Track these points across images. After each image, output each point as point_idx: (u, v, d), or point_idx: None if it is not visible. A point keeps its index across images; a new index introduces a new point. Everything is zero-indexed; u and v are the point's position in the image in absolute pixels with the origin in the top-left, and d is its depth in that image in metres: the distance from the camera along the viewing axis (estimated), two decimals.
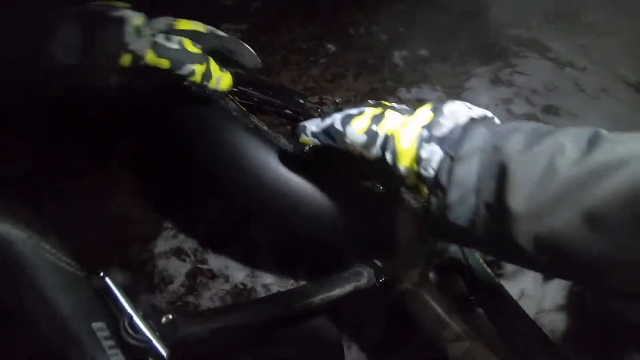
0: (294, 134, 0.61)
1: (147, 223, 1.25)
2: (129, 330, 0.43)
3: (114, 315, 0.43)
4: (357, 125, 0.51)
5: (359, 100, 1.49)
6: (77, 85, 0.58)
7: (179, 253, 1.23)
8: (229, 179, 0.77)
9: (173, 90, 0.65)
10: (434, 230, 0.49)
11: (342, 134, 0.52)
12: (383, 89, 1.54)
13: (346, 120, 0.52)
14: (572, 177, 0.33)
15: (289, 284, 1.24)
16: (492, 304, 0.78)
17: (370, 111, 0.52)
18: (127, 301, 0.44)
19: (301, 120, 0.97)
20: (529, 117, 1.54)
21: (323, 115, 0.57)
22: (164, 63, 0.59)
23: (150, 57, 0.58)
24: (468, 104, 0.47)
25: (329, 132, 0.54)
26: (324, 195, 0.73)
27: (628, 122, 1.58)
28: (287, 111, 0.91)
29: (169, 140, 0.97)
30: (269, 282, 1.24)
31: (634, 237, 0.30)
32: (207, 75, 0.64)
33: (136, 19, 0.56)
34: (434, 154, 0.43)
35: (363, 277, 0.69)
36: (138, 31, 0.56)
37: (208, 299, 1.23)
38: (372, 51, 1.69)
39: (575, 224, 0.32)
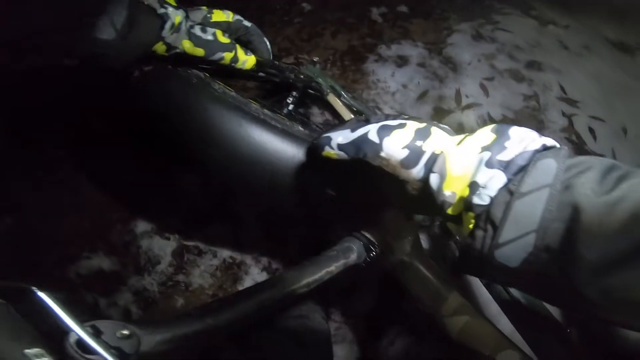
0: (312, 146, 0.53)
1: (124, 205, 1.15)
2: (77, 350, 0.34)
3: (54, 336, 0.34)
4: (398, 138, 0.43)
5: (337, 59, 1.37)
6: (104, 59, 0.61)
7: (161, 232, 1.14)
8: (201, 151, 0.68)
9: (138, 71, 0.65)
10: (468, 267, 0.41)
11: (379, 147, 0.44)
12: (362, 46, 1.42)
13: (384, 132, 0.44)
14: None
15: (278, 255, 1.17)
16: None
17: (413, 124, 0.44)
18: (70, 317, 0.35)
19: (276, 82, 0.90)
20: (513, 72, 1.46)
21: (351, 125, 0.48)
22: (200, 52, 0.66)
23: (188, 47, 0.64)
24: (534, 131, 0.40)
25: (360, 144, 0.46)
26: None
27: (611, 79, 1.52)
28: (261, 74, 0.82)
29: (138, 119, 0.87)
30: (258, 254, 1.16)
31: None
32: (234, 59, 0.70)
33: (176, 17, 0.62)
34: (493, 181, 0.36)
35: (352, 253, 0.61)
36: (174, 27, 0.62)
37: (198, 277, 1.16)
38: (349, 9, 1.55)
39: None
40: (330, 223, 0.75)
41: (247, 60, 0.73)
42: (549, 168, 0.34)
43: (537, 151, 0.37)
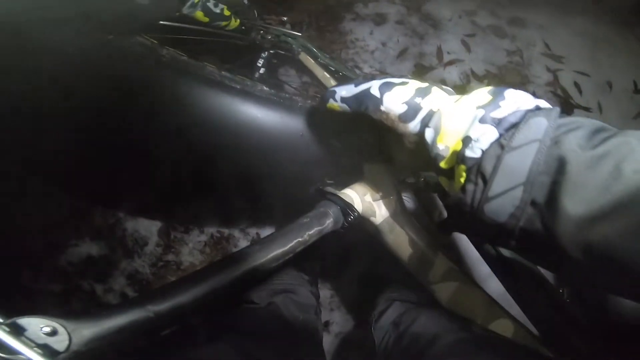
0: (320, 98, 0.52)
1: (101, 187, 1.05)
2: None
3: None
4: (399, 93, 0.44)
5: (314, 20, 1.24)
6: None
7: (145, 211, 1.05)
8: (154, 124, 0.59)
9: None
10: (457, 224, 0.42)
11: (379, 101, 0.44)
12: (339, 5, 1.29)
13: (386, 87, 0.44)
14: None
15: (266, 225, 1.08)
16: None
17: (415, 83, 0.44)
18: None
19: (239, 44, 0.80)
20: (495, 28, 1.36)
21: (356, 81, 0.48)
22: (206, 19, 0.79)
23: (199, 15, 0.77)
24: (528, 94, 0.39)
25: (362, 98, 0.46)
26: (272, 124, 0.58)
27: (595, 36, 1.41)
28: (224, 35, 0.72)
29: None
30: (245, 226, 1.08)
31: None
32: (227, 25, 0.83)
33: None
34: (486, 135, 0.36)
35: (328, 219, 0.52)
36: (194, 5, 0.75)
37: (188, 254, 1.08)
38: None
39: (636, 232, 0.28)
40: (305, 185, 0.66)
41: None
42: (539, 125, 0.34)
43: (529, 110, 0.36)
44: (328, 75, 0.82)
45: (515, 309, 0.55)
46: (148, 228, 1.05)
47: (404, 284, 0.70)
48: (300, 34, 0.85)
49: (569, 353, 0.49)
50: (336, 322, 1.07)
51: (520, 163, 0.33)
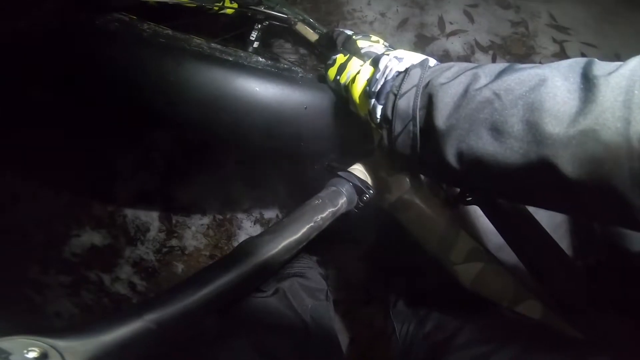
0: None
1: (95, 174, 0.97)
2: None
3: None
4: (330, 73, 0.52)
5: None
6: None
7: (144, 196, 0.97)
8: (151, 103, 0.50)
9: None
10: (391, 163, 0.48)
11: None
12: None
13: (326, 69, 0.53)
14: (482, 97, 0.33)
15: (269, 204, 1.01)
16: (493, 204, 0.55)
17: (338, 59, 0.52)
18: None
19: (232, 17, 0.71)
20: None
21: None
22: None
23: None
24: (403, 53, 0.45)
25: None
26: (272, 97, 0.51)
27: (602, 6, 1.28)
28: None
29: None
30: (248, 207, 1.00)
31: (529, 144, 0.30)
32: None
33: None
34: (375, 107, 0.43)
35: (341, 198, 0.44)
36: None
37: (192, 238, 1.01)
38: None
39: (485, 136, 0.33)
40: (314, 162, 0.58)
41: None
42: (416, 74, 0.40)
43: (399, 72, 0.43)
44: (319, 42, 0.73)
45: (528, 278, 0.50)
46: (148, 213, 0.98)
47: (420, 263, 0.63)
48: (302, 9, 0.76)
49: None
50: (343, 300, 1.02)
51: (407, 105, 0.39)
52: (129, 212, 0.97)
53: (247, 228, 1.00)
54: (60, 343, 0.26)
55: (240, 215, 1.01)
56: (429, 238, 0.50)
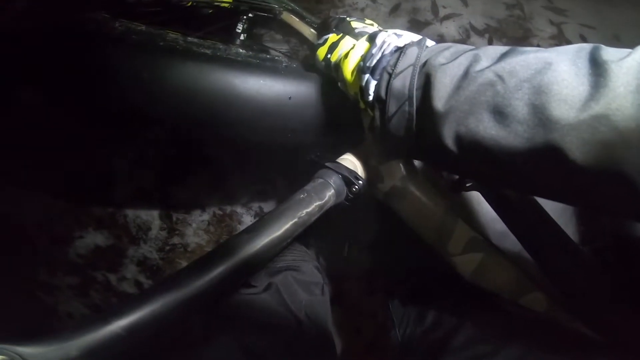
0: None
1: (94, 174, 0.95)
2: None
3: None
4: (320, 53, 0.49)
5: None
6: None
7: (142, 195, 0.94)
8: (126, 103, 0.47)
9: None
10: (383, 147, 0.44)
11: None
12: None
13: (315, 48, 0.51)
14: (483, 79, 0.32)
15: (268, 197, 0.97)
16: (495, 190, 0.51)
17: (330, 39, 0.49)
18: None
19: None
20: None
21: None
22: None
23: None
24: (401, 31, 0.43)
25: None
26: (253, 90, 0.47)
27: None
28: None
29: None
30: (247, 200, 0.97)
31: (535, 128, 0.29)
32: None
33: None
34: (369, 83, 0.41)
35: (328, 191, 0.41)
36: None
37: (193, 235, 0.98)
38: None
39: (487, 119, 0.31)
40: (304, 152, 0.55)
41: None
42: (413, 53, 0.38)
43: (400, 48, 0.40)
44: (315, 32, 0.69)
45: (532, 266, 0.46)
46: (149, 212, 0.95)
47: (418, 255, 0.59)
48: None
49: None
50: (345, 293, 0.99)
51: (403, 85, 0.37)
52: (130, 212, 0.94)
53: (248, 222, 0.97)
54: (26, 350, 0.23)
55: (239, 210, 0.97)
56: (425, 228, 0.47)
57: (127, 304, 0.26)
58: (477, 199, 0.66)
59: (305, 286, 0.52)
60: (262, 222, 0.34)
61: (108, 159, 0.92)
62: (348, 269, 0.97)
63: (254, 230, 0.33)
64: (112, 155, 0.92)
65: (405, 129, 0.38)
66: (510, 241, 0.53)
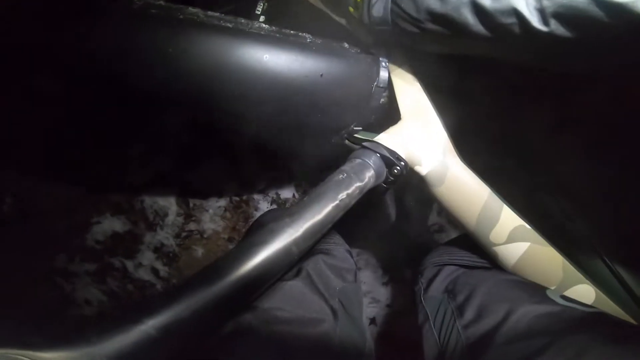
0: None
1: (111, 160, 0.92)
2: None
3: None
4: None
5: None
6: None
7: (159, 180, 0.92)
8: (161, 77, 0.44)
9: None
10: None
11: None
12: None
13: None
14: None
15: (284, 183, 0.94)
16: None
17: None
18: None
19: None
20: None
21: None
22: None
23: None
24: None
25: None
26: (285, 65, 0.43)
27: None
28: None
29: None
30: (264, 186, 0.94)
31: None
32: None
33: None
34: None
35: (368, 172, 0.38)
36: None
37: (210, 221, 0.96)
38: None
39: None
40: (331, 134, 0.51)
41: None
42: None
43: None
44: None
45: None
46: (166, 198, 0.93)
47: (456, 242, 0.56)
48: None
49: None
50: (365, 281, 0.96)
51: None
52: (147, 197, 0.92)
53: (264, 209, 0.95)
54: (49, 356, 0.20)
55: (256, 197, 0.95)
56: (465, 216, 0.43)
57: (160, 299, 0.23)
58: None
59: (337, 272, 0.49)
60: (302, 205, 0.31)
61: (127, 143, 0.89)
62: (367, 258, 0.94)
63: (294, 215, 0.30)
64: (131, 140, 0.89)
65: (384, 7, 0.42)
66: None
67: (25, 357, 0.19)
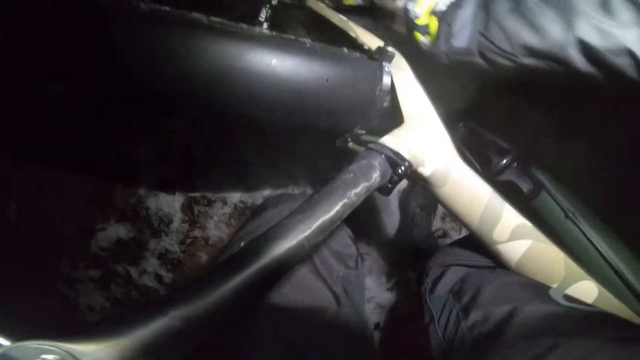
0: None
1: (116, 167, 0.92)
2: None
3: None
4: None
5: None
6: None
7: (164, 187, 0.92)
8: (172, 79, 0.44)
9: None
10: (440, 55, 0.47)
11: None
12: None
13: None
14: None
15: (289, 188, 0.95)
16: None
17: None
18: None
19: None
20: None
21: None
22: None
23: None
24: None
25: None
26: (293, 69, 0.43)
27: None
28: None
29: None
30: (268, 194, 0.95)
31: None
32: None
33: None
34: None
35: (374, 171, 0.38)
36: None
37: (214, 228, 0.96)
38: None
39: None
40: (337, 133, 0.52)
41: None
42: None
43: None
44: (345, 18, 0.65)
45: None
46: (170, 204, 0.93)
47: (460, 242, 0.56)
48: None
49: None
50: (369, 287, 0.96)
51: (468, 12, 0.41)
52: (152, 204, 0.92)
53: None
54: (78, 347, 0.21)
55: (260, 202, 0.95)
56: (468, 215, 0.43)
57: (184, 291, 0.23)
58: None
59: (339, 258, 0.49)
60: (313, 202, 0.31)
61: (133, 149, 0.90)
62: (370, 265, 0.94)
63: (305, 211, 0.30)
64: (136, 147, 0.90)
65: (468, 40, 0.42)
66: None
67: (58, 347, 0.20)
